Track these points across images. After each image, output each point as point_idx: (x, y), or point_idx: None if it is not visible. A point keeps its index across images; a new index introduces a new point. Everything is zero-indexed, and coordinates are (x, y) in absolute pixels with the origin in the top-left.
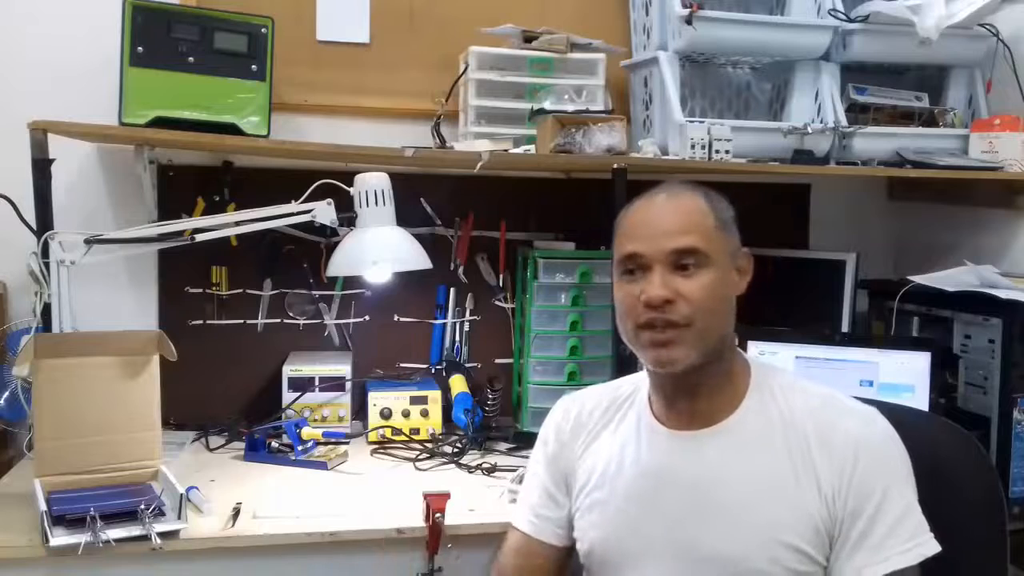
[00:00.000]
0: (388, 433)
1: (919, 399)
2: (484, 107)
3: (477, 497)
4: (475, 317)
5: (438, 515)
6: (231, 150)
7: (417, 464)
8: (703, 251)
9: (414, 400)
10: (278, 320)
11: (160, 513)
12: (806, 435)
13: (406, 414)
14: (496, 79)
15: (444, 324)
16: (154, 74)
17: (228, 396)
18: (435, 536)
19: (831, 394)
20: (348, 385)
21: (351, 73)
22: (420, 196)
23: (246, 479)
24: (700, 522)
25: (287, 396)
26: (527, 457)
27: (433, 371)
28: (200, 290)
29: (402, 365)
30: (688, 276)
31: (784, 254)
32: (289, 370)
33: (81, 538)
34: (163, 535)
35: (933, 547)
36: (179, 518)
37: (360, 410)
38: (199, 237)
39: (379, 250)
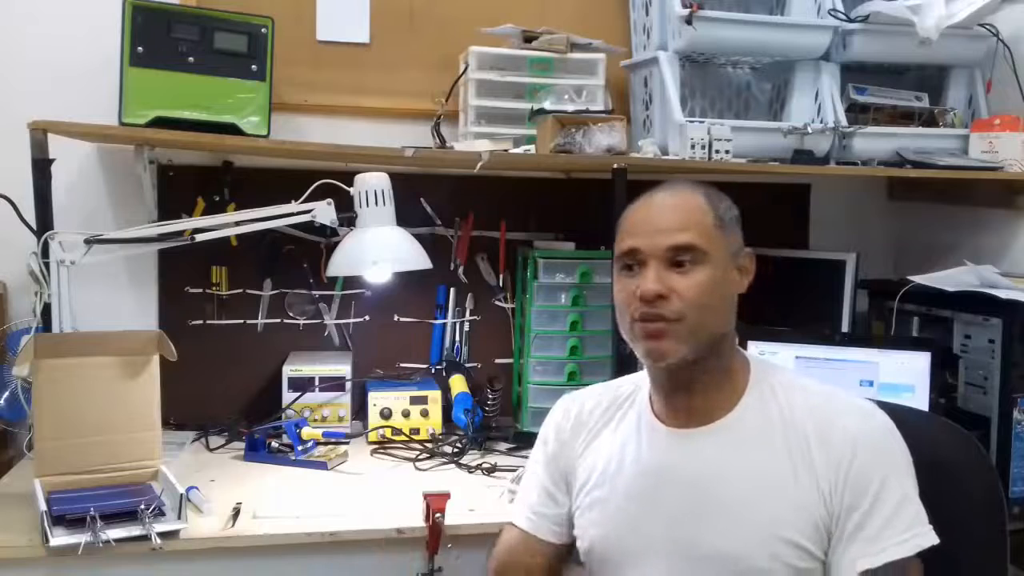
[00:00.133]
0: (388, 433)
1: (919, 399)
2: (484, 107)
3: (477, 497)
4: (475, 317)
5: (438, 515)
6: (231, 150)
7: (417, 464)
8: (699, 248)
9: (414, 400)
10: (278, 320)
11: (160, 513)
12: (806, 434)
13: (406, 414)
14: (496, 79)
15: (444, 324)
16: (154, 74)
17: (228, 396)
18: (435, 536)
19: (831, 392)
20: (348, 385)
21: (351, 73)
22: (420, 196)
23: (246, 479)
24: (700, 519)
25: (287, 396)
26: (527, 457)
27: (433, 371)
28: (200, 290)
29: (402, 365)
30: (683, 273)
31: (784, 254)
32: (289, 370)
33: (81, 538)
34: (163, 535)
35: (931, 539)
36: (179, 518)
37: (360, 410)
38: (199, 237)
39: (379, 250)
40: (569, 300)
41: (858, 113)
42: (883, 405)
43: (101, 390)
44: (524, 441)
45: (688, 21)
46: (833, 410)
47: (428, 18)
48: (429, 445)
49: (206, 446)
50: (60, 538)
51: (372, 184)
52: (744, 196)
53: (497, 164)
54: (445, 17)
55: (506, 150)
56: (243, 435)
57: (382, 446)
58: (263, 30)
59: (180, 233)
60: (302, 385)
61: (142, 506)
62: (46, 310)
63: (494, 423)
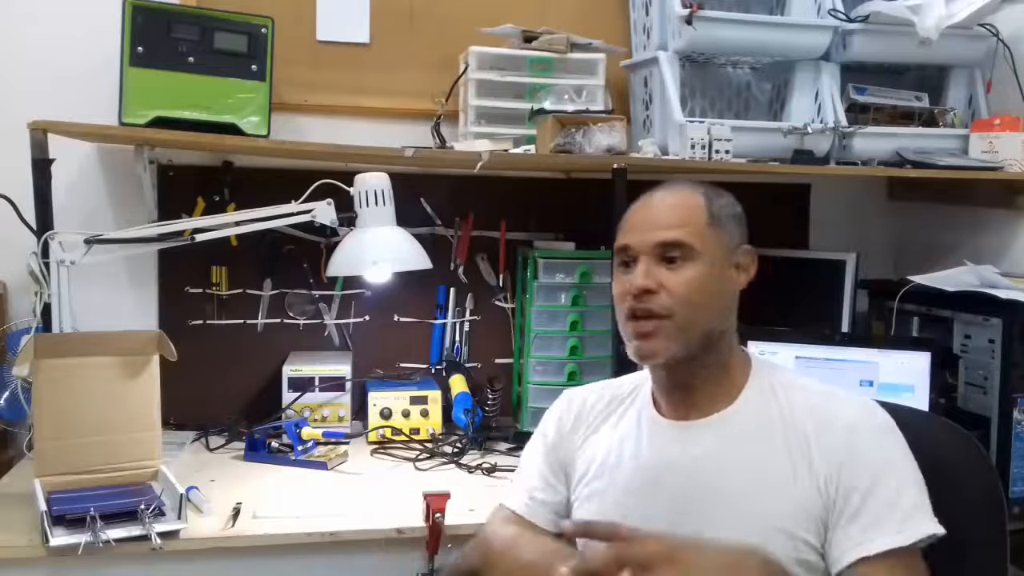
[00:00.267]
0: (388, 433)
1: (919, 399)
2: (484, 107)
3: (477, 497)
4: (475, 317)
5: (438, 515)
6: (231, 150)
7: (417, 464)
8: (689, 245)
9: (414, 400)
10: (278, 320)
11: (160, 513)
12: (805, 432)
13: (406, 414)
14: (496, 79)
15: (444, 324)
16: (154, 74)
17: (228, 396)
18: (435, 536)
19: (831, 390)
20: (348, 385)
21: (351, 73)
22: (420, 196)
23: (246, 479)
24: (698, 512)
25: (287, 396)
26: None
27: (433, 371)
28: (200, 290)
29: (402, 365)
30: (673, 269)
31: (784, 254)
32: (289, 370)
33: (81, 538)
34: (163, 535)
35: (928, 528)
36: (179, 518)
37: (360, 410)
38: (199, 237)
39: (379, 250)
40: (569, 300)
41: (858, 113)
42: (883, 405)
43: (101, 390)
44: (524, 441)
45: (688, 21)
46: (832, 407)
47: (428, 18)
48: (429, 445)
49: (206, 446)
50: (60, 538)
51: (372, 184)
52: (744, 196)
53: (497, 164)
54: (445, 17)
55: (506, 150)
56: (243, 435)
57: (382, 446)
58: (263, 30)
59: (180, 233)
60: (302, 385)
61: (142, 506)
62: (46, 310)
63: (494, 423)
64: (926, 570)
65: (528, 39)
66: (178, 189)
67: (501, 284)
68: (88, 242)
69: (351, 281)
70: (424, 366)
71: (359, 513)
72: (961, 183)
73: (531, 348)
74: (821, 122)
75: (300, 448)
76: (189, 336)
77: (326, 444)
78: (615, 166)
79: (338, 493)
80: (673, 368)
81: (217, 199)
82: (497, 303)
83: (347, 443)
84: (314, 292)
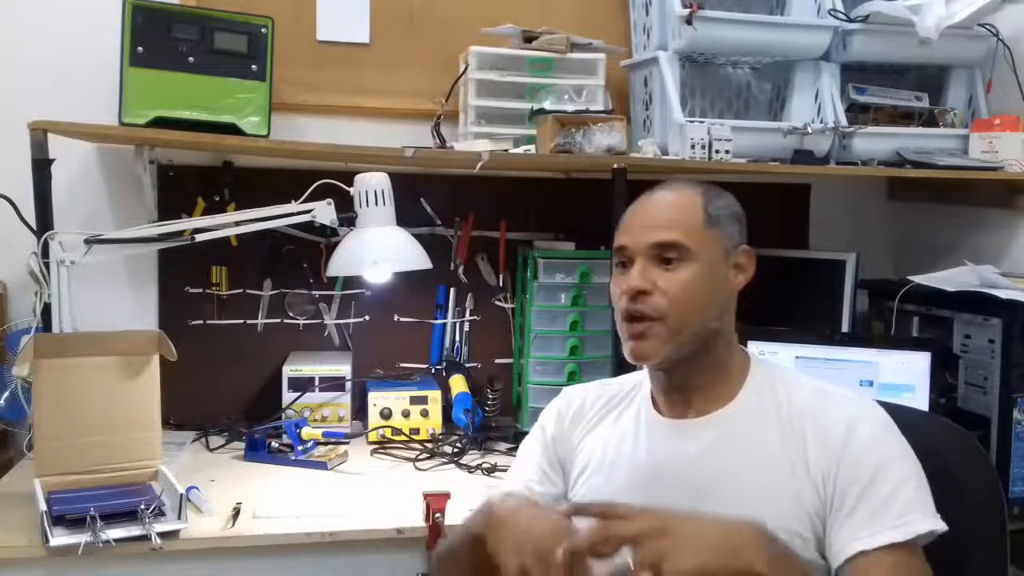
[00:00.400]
0: (388, 433)
1: (919, 399)
2: (484, 107)
3: (477, 497)
4: (475, 317)
5: (438, 515)
6: (231, 150)
7: (417, 464)
8: (684, 246)
9: (414, 400)
10: (278, 320)
11: (160, 513)
12: (804, 431)
13: (406, 414)
14: (496, 79)
15: (444, 324)
16: (154, 74)
17: (228, 396)
18: (435, 536)
19: (829, 388)
20: (348, 385)
21: (351, 73)
22: (420, 196)
23: (246, 479)
24: (696, 507)
25: (287, 396)
26: None
27: (433, 371)
28: (200, 290)
29: (402, 365)
30: (668, 270)
31: (784, 254)
32: (289, 370)
33: (81, 538)
34: (163, 535)
35: (927, 524)
36: (179, 518)
37: (360, 410)
38: (199, 237)
39: (379, 250)
40: (569, 300)
41: (858, 113)
42: (883, 405)
43: (101, 390)
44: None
45: (688, 21)
46: (830, 405)
47: (428, 18)
48: (429, 445)
49: (206, 446)
50: (60, 538)
51: (372, 184)
52: (744, 196)
53: (497, 164)
54: (445, 17)
55: (506, 150)
56: (243, 435)
57: (382, 446)
58: (263, 30)
59: (180, 233)
60: (302, 385)
61: (142, 506)
62: (46, 310)
63: (494, 423)
64: (926, 566)
65: (528, 39)
66: (178, 189)
67: (501, 284)
68: (88, 242)
69: (351, 281)
70: (424, 366)
71: (359, 513)
72: (961, 183)
73: (531, 348)
74: (821, 122)
75: (300, 448)
76: (189, 336)
77: (326, 444)
78: (615, 166)
79: (338, 493)
80: (669, 369)
81: (217, 199)
82: (497, 303)
83: (347, 443)
84: (314, 292)
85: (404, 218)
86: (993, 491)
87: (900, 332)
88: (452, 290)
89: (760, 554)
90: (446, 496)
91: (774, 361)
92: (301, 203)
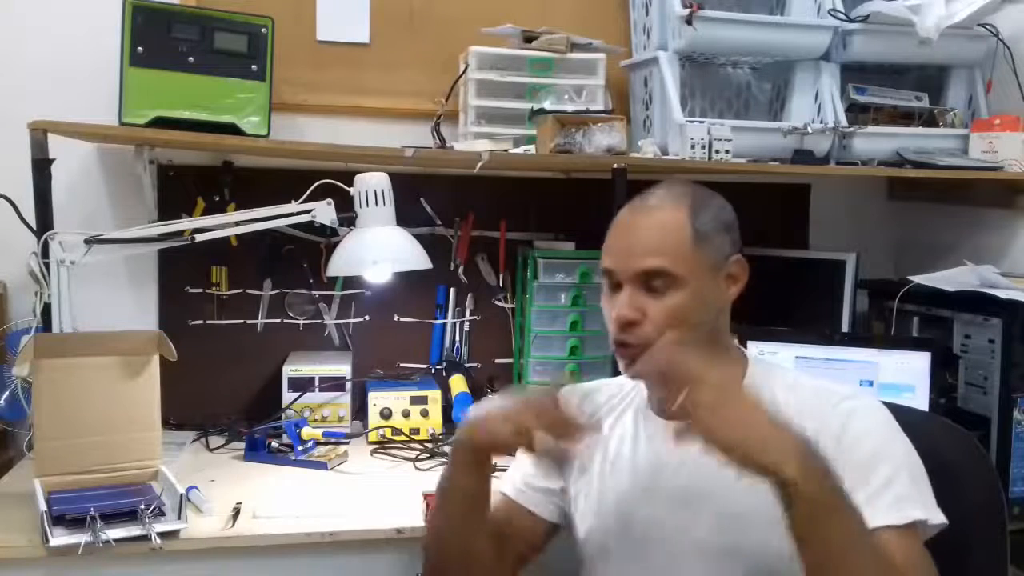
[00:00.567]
0: (388, 433)
1: (919, 399)
2: (484, 107)
3: None
4: (475, 317)
5: None
6: (231, 150)
7: (417, 464)
8: (671, 272)
9: (414, 400)
10: (278, 320)
11: (160, 513)
12: (802, 428)
13: (406, 414)
14: (496, 79)
15: (444, 324)
16: (154, 74)
17: (228, 396)
18: None
19: (827, 385)
20: (348, 385)
21: (351, 73)
22: (420, 196)
23: (246, 479)
24: (696, 510)
25: (287, 396)
26: None
27: (433, 371)
28: (200, 290)
29: (402, 365)
30: (657, 297)
31: (784, 254)
32: (289, 370)
33: (81, 538)
34: (163, 535)
35: (918, 513)
36: (179, 518)
37: (360, 410)
38: (199, 237)
39: (379, 250)
40: (569, 300)
41: (858, 113)
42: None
43: (101, 390)
44: None
45: (688, 21)
46: (829, 400)
47: (428, 18)
48: (429, 445)
49: (206, 446)
50: (60, 538)
51: (372, 184)
52: (744, 196)
53: (497, 164)
54: (445, 17)
55: (506, 150)
56: (243, 435)
57: (382, 446)
58: (263, 30)
59: (180, 233)
60: (302, 385)
61: (142, 506)
62: (46, 310)
63: None
64: (926, 554)
65: (528, 39)
66: (178, 189)
67: (501, 284)
68: (88, 242)
69: (351, 281)
70: (424, 366)
71: (359, 513)
72: (961, 183)
73: (531, 348)
74: (821, 122)
75: (300, 448)
76: (189, 336)
77: (326, 444)
78: (615, 166)
79: (338, 493)
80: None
81: (217, 199)
82: (497, 303)
83: (347, 443)
84: (314, 292)
85: (404, 218)
86: (993, 491)
87: (900, 332)
88: (452, 290)
89: (793, 460)
90: None
91: (773, 361)
92: (301, 203)
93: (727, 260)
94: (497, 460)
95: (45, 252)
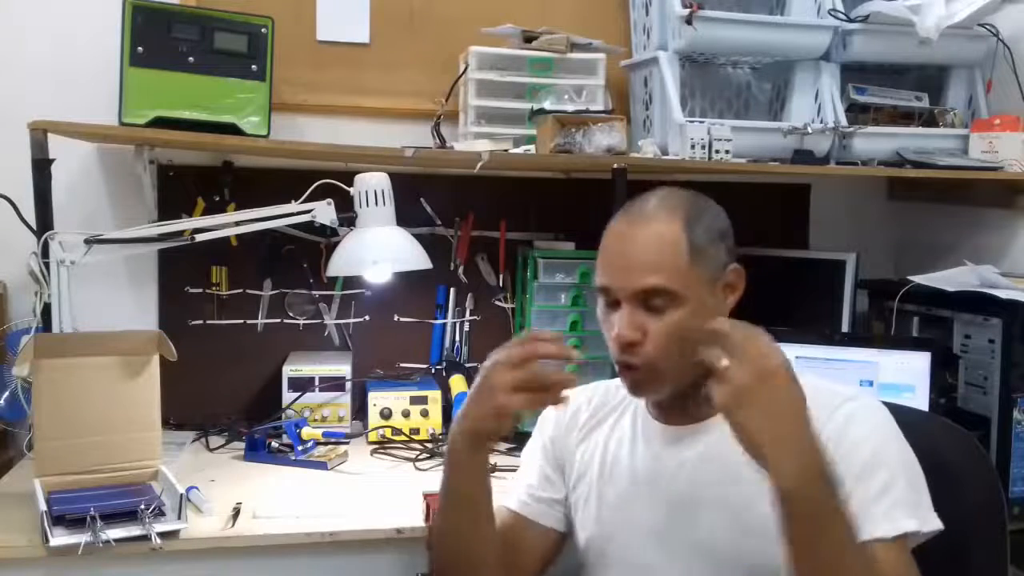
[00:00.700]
0: (388, 433)
1: (919, 399)
2: (484, 107)
3: None
4: (475, 317)
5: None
6: (231, 150)
7: (417, 464)
8: (671, 291)
9: (414, 400)
10: (278, 320)
11: (160, 513)
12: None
13: (406, 414)
14: (496, 79)
15: (444, 324)
16: (154, 74)
17: (228, 396)
18: None
19: (827, 386)
20: (348, 385)
21: (351, 73)
22: (420, 196)
23: (246, 479)
24: (694, 516)
25: (287, 396)
26: None
27: (433, 371)
28: (200, 290)
29: (402, 365)
30: (656, 315)
31: (784, 254)
32: (289, 370)
33: (81, 538)
34: (163, 535)
35: (910, 525)
36: (179, 518)
37: (360, 410)
38: (199, 237)
39: (379, 250)
40: (569, 300)
41: (858, 113)
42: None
43: (101, 390)
44: (524, 441)
45: (688, 21)
46: (829, 400)
47: (428, 18)
48: (429, 445)
49: (206, 446)
50: (60, 538)
51: (372, 184)
52: (744, 196)
53: (497, 164)
54: (445, 17)
55: (506, 150)
56: (243, 435)
57: (382, 446)
58: (263, 30)
59: (180, 233)
60: (302, 385)
61: (142, 506)
62: (46, 310)
63: None
64: (912, 563)
65: (528, 39)
66: (178, 189)
67: (501, 284)
68: (88, 242)
69: (351, 281)
70: (424, 366)
71: (359, 513)
72: (961, 183)
73: None
74: (821, 122)
75: (300, 448)
76: (189, 336)
77: (326, 444)
78: (615, 166)
79: (338, 493)
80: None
81: (217, 199)
82: (497, 303)
83: (347, 443)
84: (314, 292)
85: (404, 218)
86: (993, 491)
87: (900, 332)
88: (452, 290)
89: (798, 461)
90: None
91: None
92: (301, 203)
93: (724, 270)
94: (495, 462)
95: (45, 252)
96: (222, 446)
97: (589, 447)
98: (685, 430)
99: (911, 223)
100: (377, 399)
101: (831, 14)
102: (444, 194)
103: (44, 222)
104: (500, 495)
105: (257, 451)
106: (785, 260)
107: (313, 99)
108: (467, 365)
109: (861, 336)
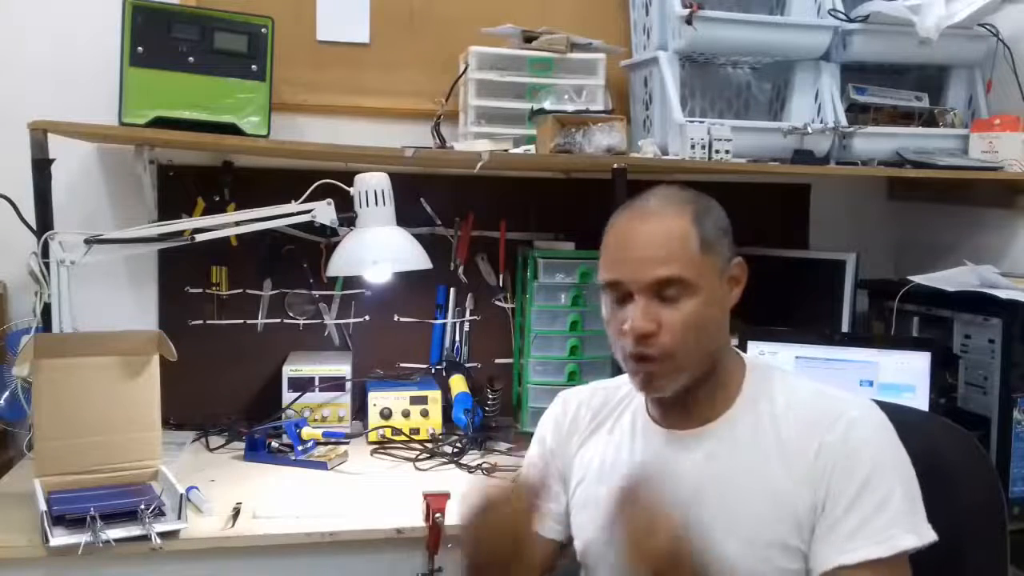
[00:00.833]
0: (388, 433)
1: (919, 399)
2: (484, 107)
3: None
4: (475, 317)
5: (438, 515)
6: (231, 150)
7: (417, 464)
8: (685, 280)
9: (414, 400)
10: (278, 320)
11: (160, 513)
12: (797, 433)
13: (406, 414)
14: (496, 79)
15: (444, 324)
16: (154, 74)
17: (228, 396)
18: (435, 536)
19: (826, 391)
20: (348, 385)
21: (351, 73)
22: (420, 196)
23: (246, 479)
24: (693, 521)
25: (287, 396)
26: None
27: (433, 371)
28: (200, 290)
29: (402, 365)
30: (671, 306)
31: (784, 254)
32: (289, 370)
33: (81, 538)
34: (163, 535)
35: (910, 541)
36: (179, 518)
37: (360, 410)
38: (199, 237)
39: (379, 250)
40: (569, 300)
41: (858, 113)
42: (883, 405)
43: (101, 390)
44: (524, 441)
45: (688, 21)
46: (826, 408)
47: (428, 18)
48: (429, 445)
49: (206, 446)
50: (60, 538)
51: (372, 184)
52: (744, 196)
53: (497, 164)
54: (445, 17)
55: (506, 150)
56: (243, 435)
57: (382, 446)
58: (263, 30)
59: (180, 233)
60: (302, 385)
61: (142, 506)
62: (46, 310)
63: (494, 423)
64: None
65: (528, 39)
66: (178, 189)
67: (501, 284)
68: (88, 242)
69: (351, 281)
70: (424, 366)
71: (359, 513)
72: (961, 183)
73: (531, 348)
74: (821, 122)
75: (300, 448)
76: (189, 336)
77: (326, 444)
78: (615, 166)
79: (338, 493)
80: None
81: (217, 199)
82: (497, 303)
83: (347, 443)
84: (314, 292)
85: (404, 218)
86: (993, 491)
87: (900, 332)
88: (452, 290)
89: None
90: (446, 496)
91: (772, 362)
92: (301, 203)
93: (729, 263)
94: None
95: (45, 252)
96: (222, 446)
97: (589, 450)
98: (686, 434)
99: (911, 223)
100: (377, 399)
101: (831, 14)
102: (444, 194)
103: (44, 222)
104: None
105: (257, 451)
106: (785, 260)
107: (313, 99)
108: (467, 365)
109: (861, 336)
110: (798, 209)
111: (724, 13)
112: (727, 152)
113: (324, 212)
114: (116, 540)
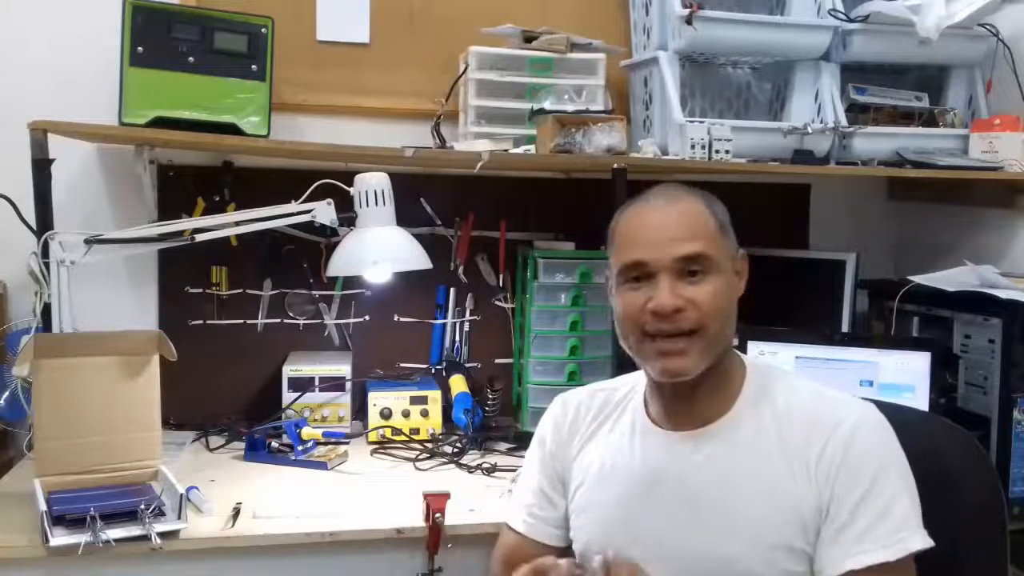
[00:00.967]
0: (388, 433)
1: (919, 399)
2: (484, 107)
3: (477, 497)
4: (475, 317)
5: (438, 515)
6: (231, 150)
7: (417, 464)
8: (710, 256)
9: (414, 400)
10: (278, 320)
11: (160, 513)
12: (801, 439)
13: (406, 414)
14: (496, 79)
15: (444, 324)
16: (154, 74)
17: (228, 396)
18: (435, 536)
19: (826, 393)
20: (348, 385)
21: (351, 73)
22: (420, 196)
23: (246, 479)
24: (694, 523)
25: (287, 396)
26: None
27: (433, 371)
28: (200, 290)
29: (402, 365)
30: (696, 283)
31: (784, 254)
32: (289, 370)
33: (81, 538)
34: (163, 535)
35: (917, 543)
36: (179, 518)
37: (360, 410)
38: (199, 237)
39: (379, 250)
40: (569, 300)
41: (858, 113)
42: (883, 405)
43: (101, 390)
44: (524, 441)
45: (688, 21)
46: (827, 410)
47: (428, 18)
48: (429, 445)
49: (206, 446)
50: (60, 538)
51: (372, 184)
52: (744, 196)
53: (497, 164)
54: (445, 17)
55: (506, 150)
56: (243, 435)
57: (382, 446)
58: (263, 30)
59: (180, 233)
60: (302, 385)
61: (142, 506)
62: (46, 310)
63: (494, 423)
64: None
65: (528, 39)
66: (178, 189)
67: (501, 284)
68: (88, 242)
69: (351, 281)
70: (424, 366)
71: (359, 513)
72: (961, 183)
73: (531, 348)
74: (821, 122)
75: (300, 448)
76: (189, 336)
77: (326, 444)
78: (615, 166)
79: (338, 493)
80: (684, 381)
81: (217, 199)
82: (497, 303)
83: (347, 443)
84: (314, 292)
85: (404, 218)
86: (993, 491)
87: (900, 332)
88: (452, 290)
89: None
90: (446, 496)
91: (772, 363)
92: (301, 203)
93: (737, 253)
94: (495, 462)
95: (45, 252)
96: (222, 446)
97: (589, 453)
98: (686, 435)
99: (911, 223)
100: (377, 399)
101: (831, 14)
102: (444, 194)
103: (44, 222)
104: (502, 508)
105: (257, 451)
106: (785, 260)
107: (313, 99)
108: (467, 365)
109: (861, 336)
110: (798, 209)
111: (724, 13)
112: (727, 152)
113: (324, 212)
114: (116, 540)
